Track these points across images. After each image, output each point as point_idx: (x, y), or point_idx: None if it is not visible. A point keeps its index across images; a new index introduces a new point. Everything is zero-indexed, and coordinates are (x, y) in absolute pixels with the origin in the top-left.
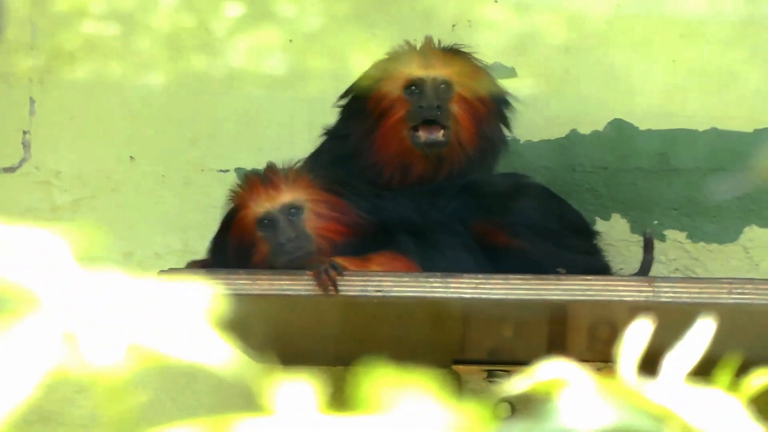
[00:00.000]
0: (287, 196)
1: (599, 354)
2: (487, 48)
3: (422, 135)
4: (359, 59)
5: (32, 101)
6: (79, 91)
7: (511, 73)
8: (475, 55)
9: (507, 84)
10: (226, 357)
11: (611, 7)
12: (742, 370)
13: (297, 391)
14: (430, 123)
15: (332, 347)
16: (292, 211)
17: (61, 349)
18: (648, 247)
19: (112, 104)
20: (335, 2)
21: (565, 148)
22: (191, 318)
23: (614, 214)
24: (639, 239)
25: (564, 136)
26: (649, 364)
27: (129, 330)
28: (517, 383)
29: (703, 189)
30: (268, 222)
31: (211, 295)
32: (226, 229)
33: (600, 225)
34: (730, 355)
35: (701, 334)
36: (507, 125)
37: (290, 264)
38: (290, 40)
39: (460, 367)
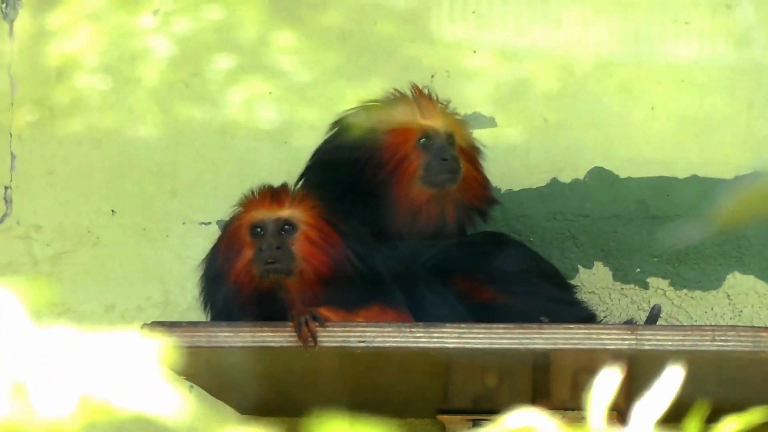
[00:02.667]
0: (286, 211)
1: (583, 402)
2: (465, 98)
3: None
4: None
5: (13, 156)
6: (59, 146)
7: (491, 122)
8: (450, 106)
9: (487, 133)
10: (179, 408)
11: (590, 55)
12: (725, 415)
13: None
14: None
15: (314, 398)
16: (286, 227)
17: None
18: (651, 321)
19: (92, 158)
20: (323, 54)
21: (546, 197)
22: (143, 369)
23: (596, 261)
24: (621, 286)
25: (544, 184)
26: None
27: (79, 382)
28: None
29: (662, 236)
30: (259, 229)
31: (164, 346)
32: (220, 236)
33: (582, 273)
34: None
35: (670, 382)
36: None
37: (266, 273)
38: (269, 92)
39: (445, 417)
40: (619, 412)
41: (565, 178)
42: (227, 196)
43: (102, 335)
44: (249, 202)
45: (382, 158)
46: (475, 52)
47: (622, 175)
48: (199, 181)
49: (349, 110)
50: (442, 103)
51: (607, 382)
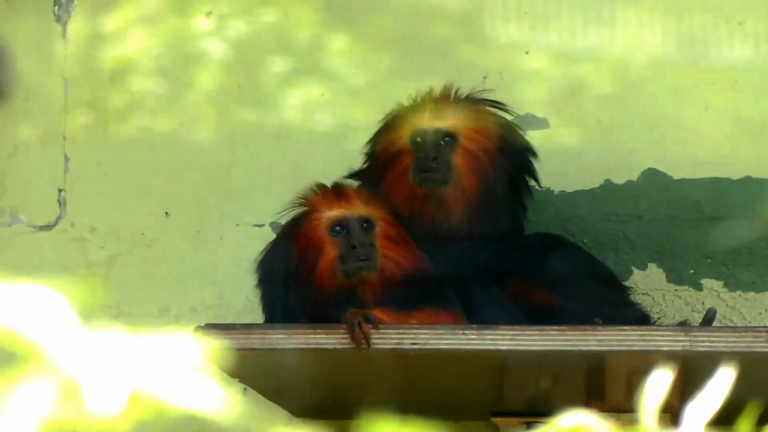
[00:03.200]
0: (362, 208)
1: (637, 404)
2: (519, 99)
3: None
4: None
5: (67, 159)
6: (113, 149)
7: (543, 123)
8: (500, 106)
9: (540, 135)
10: (229, 409)
11: (644, 56)
12: None
13: None
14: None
15: (367, 400)
16: (366, 224)
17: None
18: (706, 323)
19: (146, 161)
20: (377, 56)
21: (600, 198)
22: (193, 368)
23: (650, 263)
24: (675, 288)
25: (598, 186)
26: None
27: (130, 379)
28: None
29: (715, 237)
30: (341, 228)
31: (217, 348)
32: (290, 232)
33: (636, 274)
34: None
35: (722, 383)
36: (532, 175)
37: (357, 270)
38: (322, 94)
39: (498, 419)
40: (673, 413)
41: (619, 179)
42: (280, 199)
43: (154, 336)
44: (315, 200)
45: (380, 157)
46: (527, 53)
47: (676, 176)
48: (253, 184)
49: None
50: (466, 96)
51: (659, 382)
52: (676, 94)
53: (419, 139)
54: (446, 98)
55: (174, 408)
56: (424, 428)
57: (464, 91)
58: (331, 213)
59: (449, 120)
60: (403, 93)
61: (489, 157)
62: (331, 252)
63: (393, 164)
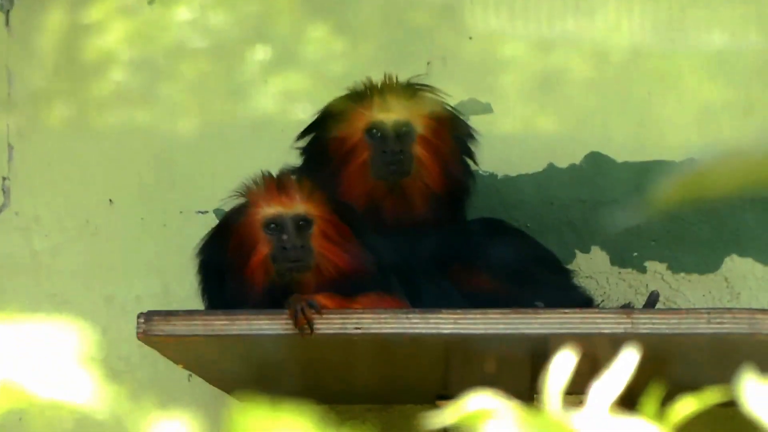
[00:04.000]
0: (300, 206)
1: (579, 387)
2: (461, 84)
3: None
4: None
5: (11, 147)
6: (56, 137)
7: (486, 108)
8: (438, 92)
9: (483, 120)
10: (97, 396)
11: (578, 38)
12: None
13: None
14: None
15: (312, 385)
16: (302, 222)
17: None
18: (649, 306)
19: (89, 148)
20: (357, 45)
21: (543, 182)
22: (61, 357)
23: (593, 246)
24: (619, 270)
25: (541, 170)
26: (629, 398)
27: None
28: (444, 415)
29: (600, 220)
30: (276, 225)
31: (80, 334)
32: (228, 224)
33: (579, 257)
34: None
35: (626, 364)
36: (474, 160)
37: (288, 271)
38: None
39: (443, 403)
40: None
41: (562, 163)
42: (224, 185)
43: (31, 325)
44: (255, 193)
45: (333, 151)
46: (471, 38)
47: (619, 159)
48: (197, 171)
49: (333, 100)
50: (417, 91)
51: (563, 364)
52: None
53: (376, 132)
54: (392, 88)
55: (46, 400)
56: (295, 412)
57: (402, 79)
58: (268, 210)
59: (403, 110)
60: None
61: (444, 144)
62: (264, 249)
63: (349, 158)
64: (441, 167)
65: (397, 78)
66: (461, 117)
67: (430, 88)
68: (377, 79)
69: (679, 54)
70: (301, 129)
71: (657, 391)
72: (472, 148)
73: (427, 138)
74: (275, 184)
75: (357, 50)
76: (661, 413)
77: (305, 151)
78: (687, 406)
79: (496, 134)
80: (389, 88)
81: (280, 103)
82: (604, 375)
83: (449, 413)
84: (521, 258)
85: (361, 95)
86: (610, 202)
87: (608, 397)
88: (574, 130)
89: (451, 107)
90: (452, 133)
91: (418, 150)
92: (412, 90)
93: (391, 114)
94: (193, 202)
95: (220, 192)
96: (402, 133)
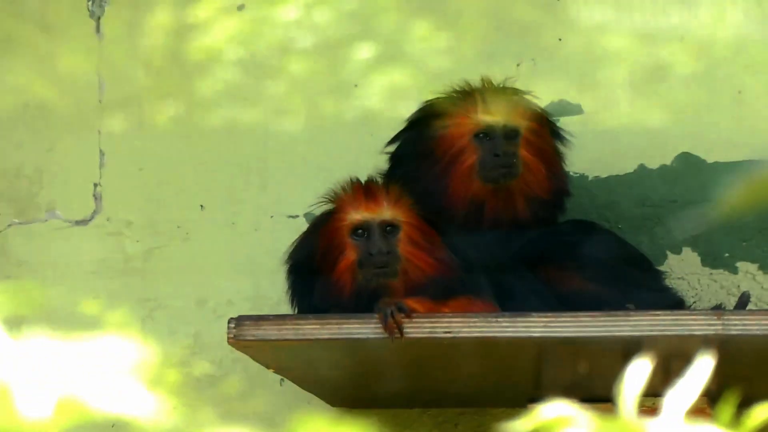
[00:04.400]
0: (387, 212)
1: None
2: (551, 85)
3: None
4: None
5: (102, 153)
6: (148, 142)
7: (577, 109)
8: (533, 96)
9: (574, 121)
10: (159, 412)
11: (676, 38)
12: None
13: None
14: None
15: (404, 389)
16: (389, 228)
17: None
18: (740, 307)
19: (181, 153)
20: (461, 41)
21: (634, 183)
22: (121, 373)
23: (684, 247)
24: (710, 271)
25: (632, 170)
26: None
27: (59, 384)
28: (520, 423)
29: (670, 224)
30: (363, 231)
31: (143, 352)
32: (316, 229)
33: (670, 258)
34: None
35: (702, 369)
36: (565, 162)
37: (375, 277)
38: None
39: (535, 406)
40: (710, 397)
41: (653, 164)
42: (315, 189)
43: (86, 341)
44: (343, 199)
45: (439, 153)
46: (560, 40)
47: (710, 159)
48: (288, 175)
49: (428, 100)
50: (518, 94)
51: (639, 370)
52: (708, 77)
53: (486, 135)
54: (494, 89)
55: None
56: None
57: (499, 77)
58: (355, 215)
59: (508, 113)
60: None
61: (546, 146)
62: (351, 255)
63: (455, 161)
64: (544, 169)
65: (498, 81)
66: (554, 119)
67: (527, 91)
68: (475, 78)
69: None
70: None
71: (733, 396)
72: (566, 150)
73: (531, 140)
74: (362, 190)
75: (461, 46)
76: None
77: (399, 152)
78: (763, 412)
79: (586, 135)
80: (491, 90)
81: (384, 101)
82: (680, 380)
83: (525, 421)
84: (612, 259)
85: (464, 97)
86: (702, 202)
87: (684, 403)
88: (665, 129)
89: (542, 109)
90: (551, 135)
91: (523, 153)
92: (513, 92)
93: (498, 117)
94: (285, 206)
95: (311, 196)
96: (510, 136)
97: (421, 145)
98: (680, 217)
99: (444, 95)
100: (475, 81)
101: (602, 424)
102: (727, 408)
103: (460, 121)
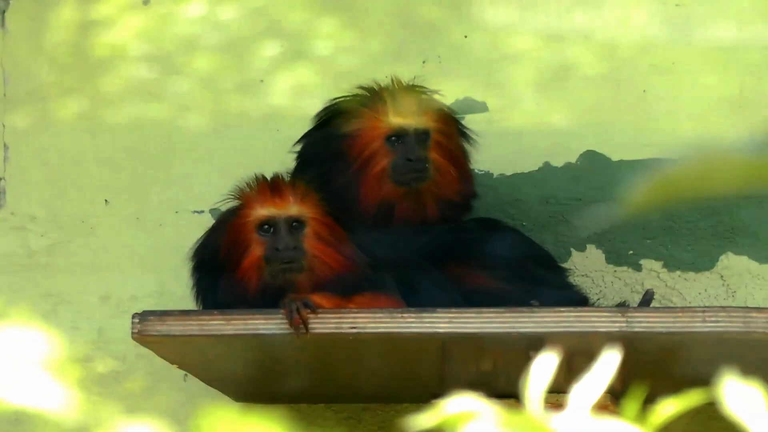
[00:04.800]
0: (294, 208)
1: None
2: (457, 84)
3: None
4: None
5: (6, 147)
6: (52, 136)
7: (482, 107)
8: (440, 95)
9: (480, 118)
10: (63, 406)
11: (581, 38)
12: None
13: None
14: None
15: (309, 385)
16: (295, 224)
17: None
18: (644, 305)
19: (85, 148)
20: (366, 40)
21: (539, 180)
22: (24, 367)
23: (589, 245)
24: (614, 268)
25: (537, 168)
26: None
27: None
28: (425, 417)
29: (576, 221)
30: (269, 227)
31: (46, 340)
32: (222, 225)
33: (575, 256)
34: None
35: (608, 365)
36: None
37: (281, 272)
38: (261, 81)
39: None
40: (614, 394)
41: (558, 162)
42: (220, 185)
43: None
44: (249, 195)
45: (350, 155)
46: (466, 37)
47: (614, 158)
48: (193, 171)
49: (335, 99)
50: (426, 94)
51: (545, 365)
52: (614, 77)
53: (397, 139)
54: (403, 90)
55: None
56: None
57: (407, 77)
58: (261, 211)
59: (418, 115)
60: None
61: (455, 147)
62: (257, 251)
63: (367, 163)
64: (453, 171)
65: (405, 80)
66: (459, 117)
67: (435, 91)
68: (382, 77)
69: (678, 48)
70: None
71: (639, 393)
72: (472, 149)
73: (441, 142)
74: (269, 186)
75: (367, 44)
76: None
77: (308, 151)
78: (669, 407)
79: (491, 133)
80: (401, 91)
81: (290, 99)
82: (585, 376)
83: (430, 416)
84: (517, 257)
85: (373, 97)
86: (607, 200)
87: (590, 398)
88: (570, 127)
89: (450, 109)
90: (459, 135)
91: (433, 155)
92: (421, 92)
93: (409, 119)
94: (190, 202)
95: (216, 192)
96: (422, 139)
97: (331, 146)
98: (584, 215)
99: (352, 94)
100: (382, 79)
101: (507, 418)
102: (632, 404)
103: (371, 124)
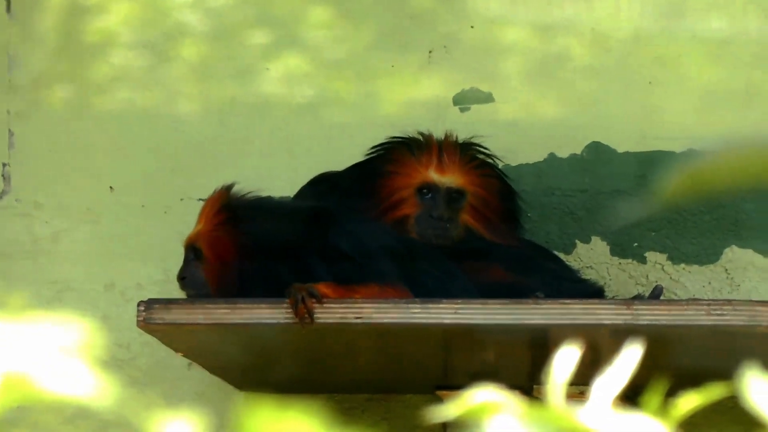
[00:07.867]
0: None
1: (581, 377)
2: (463, 73)
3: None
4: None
5: (11, 134)
6: (57, 122)
7: (488, 98)
8: (489, 151)
9: (484, 109)
10: (103, 392)
11: (587, 30)
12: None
13: (179, 430)
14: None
15: (312, 375)
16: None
17: None
18: (652, 299)
19: (91, 135)
20: (358, 28)
21: (544, 172)
22: (66, 353)
23: (593, 236)
24: (619, 261)
25: (542, 159)
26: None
27: (2, 363)
28: (449, 408)
29: (604, 213)
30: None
31: (87, 330)
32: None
33: (579, 247)
34: (657, 380)
35: (629, 358)
36: (518, 219)
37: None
38: (267, 68)
39: (443, 393)
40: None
41: (563, 153)
42: (225, 172)
43: (31, 320)
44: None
45: (382, 194)
46: (473, 27)
47: (620, 149)
48: (197, 157)
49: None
50: (469, 149)
51: (567, 357)
52: (621, 68)
53: (428, 193)
54: (449, 146)
55: (48, 393)
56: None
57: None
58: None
59: (457, 174)
60: (384, 65)
61: (492, 212)
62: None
63: (394, 208)
64: (486, 233)
65: (456, 136)
66: (509, 181)
67: (484, 148)
68: (381, 67)
69: (680, 40)
70: (303, 114)
71: (660, 386)
72: (519, 210)
73: (476, 207)
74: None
75: (359, 34)
76: (663, 407)
77: (341, 179)
78: (690, 401)
79: (497, 123)
80: (449, 145)
81: (282, 87)
82: (607, 369)
83: (453, 406)
84: (528, 250)
85: (421, 145)
86: (612, 191)
87: (612, 392)
88: (575, 118)
89: (501, 171)
90: (501, 200)
91: (465, 217)
92: (468, 150)
93: (445, 176)
94: (195, 189)
95: (220, 178)
96: (454, 199)
97: (365, 181)
98: (618, 207)
99: (404, 137)
100: (388, 79)
101: (531, 411)
102: (654, 396)
103: (408, 171)
